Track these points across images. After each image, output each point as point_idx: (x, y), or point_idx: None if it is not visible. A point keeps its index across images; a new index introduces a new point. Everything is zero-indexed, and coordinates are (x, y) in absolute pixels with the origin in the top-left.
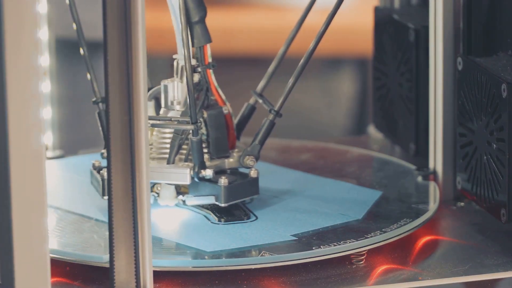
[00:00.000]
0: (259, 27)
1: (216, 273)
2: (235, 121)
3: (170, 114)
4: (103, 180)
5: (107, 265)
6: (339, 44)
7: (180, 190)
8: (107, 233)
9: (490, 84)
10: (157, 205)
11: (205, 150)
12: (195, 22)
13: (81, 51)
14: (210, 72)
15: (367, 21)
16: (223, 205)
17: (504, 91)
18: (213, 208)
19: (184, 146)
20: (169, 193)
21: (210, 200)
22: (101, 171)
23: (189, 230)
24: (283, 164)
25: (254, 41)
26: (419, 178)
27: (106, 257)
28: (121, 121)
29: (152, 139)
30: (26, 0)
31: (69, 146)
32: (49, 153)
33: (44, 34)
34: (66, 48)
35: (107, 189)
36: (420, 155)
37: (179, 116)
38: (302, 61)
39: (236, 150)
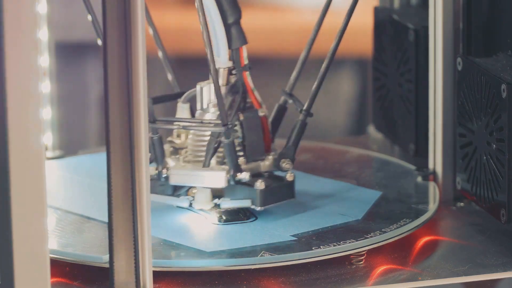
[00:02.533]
0: (259, 27)
1: (216, 273)
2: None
3: (206, 116)
4: None
5: (107, 265)
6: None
7: (216, 193)
8: (107, 233)
9: (489, 84)
10: (162, 204)
11: (241, 153)
12: (230, 24)
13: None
14: (247, 74)
15: (367, 21)
16: (259, 208)
17: (504, 92)
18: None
19: (221, 149)
20: (205, 196)
21: (246, 203)
22: None
23: (189, 230)
24: None
25: (253, 41)
26: (419, 179)
27: (106, 257)
28: (121, 121)
29: (187, 142)
30: (26, 0)
31: (69, 146)
32: (49, 153)
33: (43, 34)
34: (66, 48)
35: (107, 189)
36: (420, 155)
37: (210, 118)
38: (325, 62)
39: (272, 153)
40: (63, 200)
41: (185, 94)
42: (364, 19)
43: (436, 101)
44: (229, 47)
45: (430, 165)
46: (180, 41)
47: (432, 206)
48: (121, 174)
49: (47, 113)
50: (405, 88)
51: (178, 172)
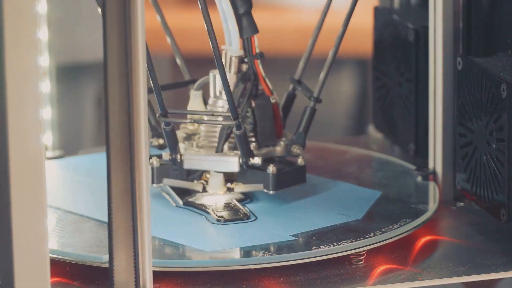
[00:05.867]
0: (259, 27)
1: (216, 273)
2: None
3: (219, 103)
4: (152, 168)
5: (107, 265)
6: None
7: (229, 177)
8: (107, 233)
9: (489, 84)
10: (162, 204)
11: (253, 139)
12: (241, 14)
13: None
14: (258, 62)
15: (367, 21)
16: (271, 192)
17: (504, 91)
18: (213, 208)
19: (233, 134)
20: (218, 181)
21: (259, 187)
22: (150, 160)
23: (189, 230)
24: None
25: None
26: (419, 178)
27: (106, 257)
28: (121, 121)
29: (200, 128)
30: (26, 0)
31: (69, 146)
32: (49, 153)
33: (44, 34)
34: (66, 49)
35: (107, 189)
36: (420, 155)
37: (222, 110)
38: (333, 48)
39: (283, 138)
40: (63, 200)
41: (198, 82)
42: (364, 19)
43: (436, 101)
44: (241, 36)
45: (430, 165)
46: (180, 41)
47: (432, 206)
48: (121, 174)
49: (47, 113)
50: (405, 88)
51: (192, 157)
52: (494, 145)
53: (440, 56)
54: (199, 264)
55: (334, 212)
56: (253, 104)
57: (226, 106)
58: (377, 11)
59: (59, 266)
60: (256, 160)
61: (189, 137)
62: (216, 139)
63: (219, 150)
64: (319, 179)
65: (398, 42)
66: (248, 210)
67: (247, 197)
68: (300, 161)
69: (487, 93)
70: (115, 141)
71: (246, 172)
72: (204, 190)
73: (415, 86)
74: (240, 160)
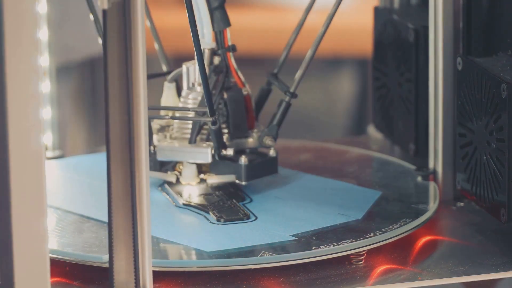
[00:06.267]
0: (259, 27)
1: (216, 273)
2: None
3: (192, 95)
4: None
5: (107, 265)
6: (339, 44)
7: (202, 169)
8: (106, 233)
9: (489, 84)
10: (162, 204)
11: (225, 130)
12: (215, 8)
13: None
14: (230, 55)
15: (367, 21)
16: (243, 183)
17: (504, 91)
18: (212, 208)
19: (206, 126)
20: (191, 172)
21: (231, 178)
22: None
23: (189, 230)
24: (282, 164)
25: (254, 40)
26: (419, 178)
27: (106, 257)
28: (121, 121)
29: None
30: (26, 0)
31: (69, 146)
32: (49, 153)
33: (43, 34)
34: (67, 49)
35: (107, 189)
36: (420, 155)
37: (198, 104)
38: (311, 48)
39: (255, 130)
40: (63, 200)
41: (172, 74)
42: (364, 19)
43: (436, 101)
44: (213, 29)
45: (430, 165)
46: (180, 41)
47: (432, 206)
48: (121, 174)
49: (47, 113)
50: (405, 88)
51: (165, 148)
52: (494, 145)
53: (440, 56)
54: (199, 264)
55: (334, 212)
56: (225, 96)
57: (199, 98)
58: (377, 11)
59: (59, 266)
60: (228, 151)
61: (162, 128)
62: (189, 131)
63: (192, 141)
64: (319, 179)
65: (398, 42)
66: (248, 210)
67: (247, 197)
68: (271, 152)
69: (487, 93)
70: (115, 141)
71: (218, 163)
72: (178, 181)
73: (415, 86)
74: (213, 151)
